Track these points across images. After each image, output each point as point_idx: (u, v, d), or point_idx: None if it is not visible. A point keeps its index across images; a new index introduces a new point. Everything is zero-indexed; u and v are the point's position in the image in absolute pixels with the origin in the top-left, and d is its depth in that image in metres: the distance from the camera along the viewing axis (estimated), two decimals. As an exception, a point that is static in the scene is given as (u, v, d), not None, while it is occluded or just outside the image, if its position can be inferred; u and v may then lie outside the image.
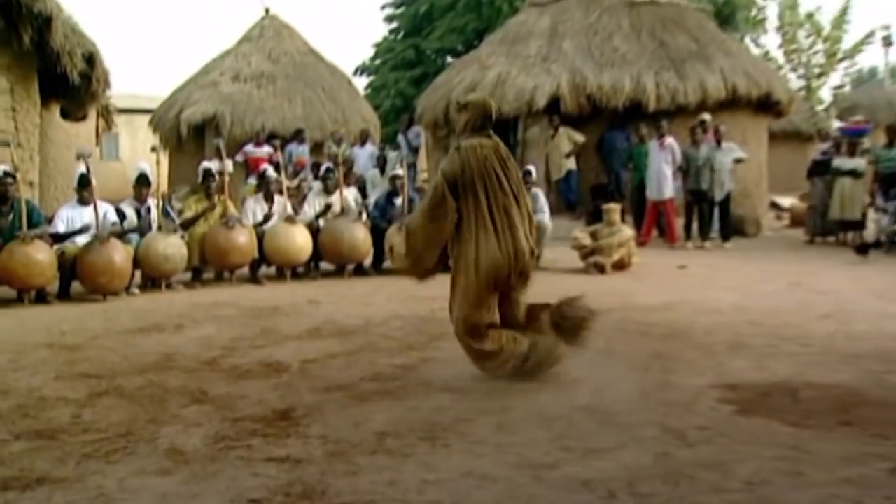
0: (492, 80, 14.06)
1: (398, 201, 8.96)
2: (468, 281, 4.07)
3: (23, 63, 9.18)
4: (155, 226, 7.72)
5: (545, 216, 9.19)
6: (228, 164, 8.88)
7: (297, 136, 13.60)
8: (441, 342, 5.00)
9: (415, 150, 13.77)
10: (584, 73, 13.58)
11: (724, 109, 12.96)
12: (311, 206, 8.84)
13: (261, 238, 8.11)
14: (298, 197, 9.09)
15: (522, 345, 4.02)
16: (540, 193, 9.43)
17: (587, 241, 8.89)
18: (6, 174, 7.09)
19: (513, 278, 4.08)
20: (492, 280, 4.03)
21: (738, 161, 11.30)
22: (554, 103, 13.45)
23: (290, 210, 8.51)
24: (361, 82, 30.86)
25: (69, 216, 7.39)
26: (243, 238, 7.88)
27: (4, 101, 9.06)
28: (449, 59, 25.94)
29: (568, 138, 13.35)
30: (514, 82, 13.86)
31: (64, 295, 7.20)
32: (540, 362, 4.02)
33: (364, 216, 8.86)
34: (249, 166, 12.63)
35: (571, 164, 13.44)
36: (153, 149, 8.02)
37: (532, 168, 9.65)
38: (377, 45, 28.99)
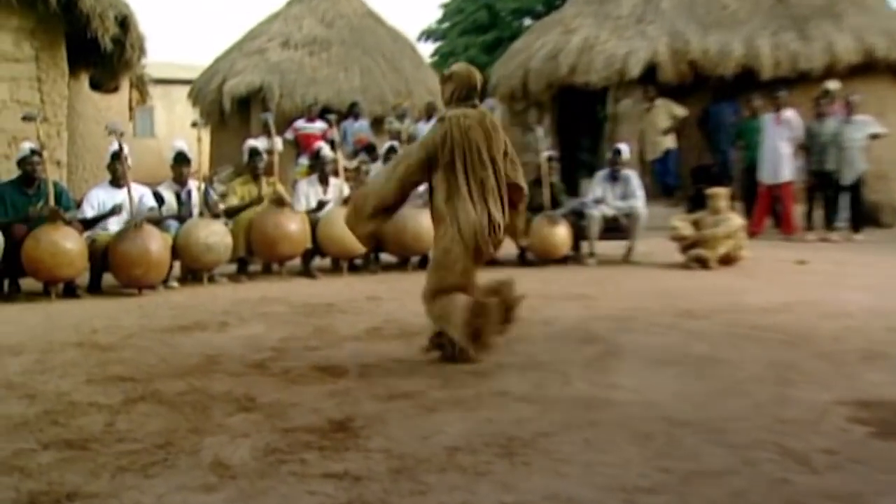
0: (577, 46, 13.96)
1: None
2: (454, 254, 4.61)
3: (49, 27, 9.49)
4: (196, 211, 7.91)
5: (639, 202, 9.11)
6: (277, 143, 9.07)
7: (352, 110, 13.74)
8: (520, 345, 4.99)
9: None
10: (685, 36, 13.36)
11: (857, 76, 12.55)
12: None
13: (314, 226, 8.23)
14: (357, 180, 9.20)
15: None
16: (633, 176, 9.34)
17: (688, 231, 8.75)
18: (32, 152, 7.34)
19: (487, 250, 4.67)
20: (474, 249, 4.63)
21: (873, 137, 10.96)
22: (650, 72, 13.28)
23: (347, 192, 8.61)
24: (427, 49, 31.08)
25: (101, 200, 7.62)
26: (294, 225, 8.00)
27: (29, 69, 9.39)
28: (527, 21, 25.84)
29: (666, 112, 13.15)
30: (604, 48, 13.73)
31: (95, 288, 7.45)
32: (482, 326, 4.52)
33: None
34: (301, 144, 12.80)
35: (670, 142, 13.24)
36: (194, 124, 8.20)
37: (623, 147, 9.58)
38: (445, 7, 29.11)
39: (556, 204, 9.02)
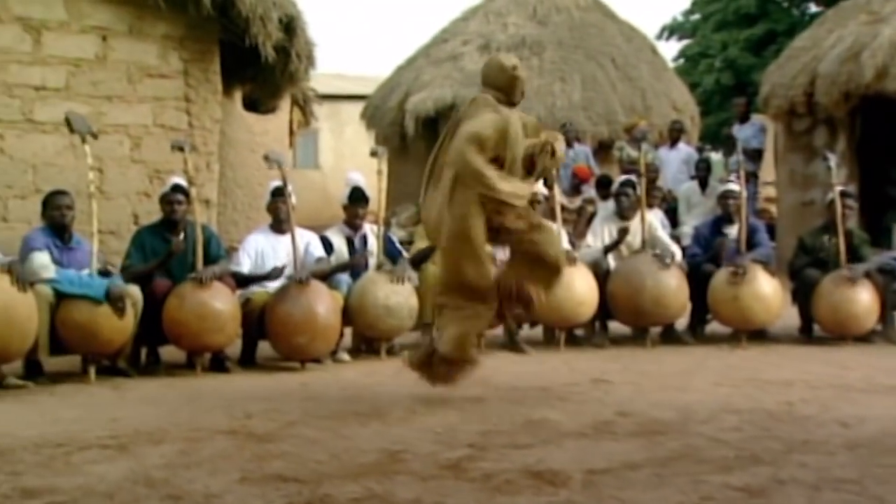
0: (888, 41, 13.43)
1: (731, 231, 8.81)
2: None
3: (201, 35, 10.16)
4: (373, 263, 8.18)
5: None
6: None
7: (564, 133, 13.84)
8: (806, 455, 4.81)
9: (755, 154, 13.48)
10: None
11: None
12: (598, 238, 8.94)
13: (522, 284, 8.31)
14: (579, 223, 9.25)
15: None
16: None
17: None
18: (173, 188, 7.86)
19: None
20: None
21: None
22: None
23: (566, 242, 8.66)
24: (671, 49, 30.96)
25: (260, 248, 8.03)
26: (498, 285, 8.11)
27: (176, 87, 10.07)
28: (812, 7, 25.23)
29: None
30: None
31: (248, 360, 7.84)
32: None
33: (677, 253, 8.81)
34: (503, 177, 12.99)
35: None
36: (373, 153, 8.43)
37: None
38: (695, -7, 28.89)
39: (854, 258, 8.69)
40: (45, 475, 4.57)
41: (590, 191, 11.99)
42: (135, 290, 7.21)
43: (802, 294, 8.83)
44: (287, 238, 7.88)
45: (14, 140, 9.21)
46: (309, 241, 8.10)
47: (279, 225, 8.09)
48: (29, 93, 9.28)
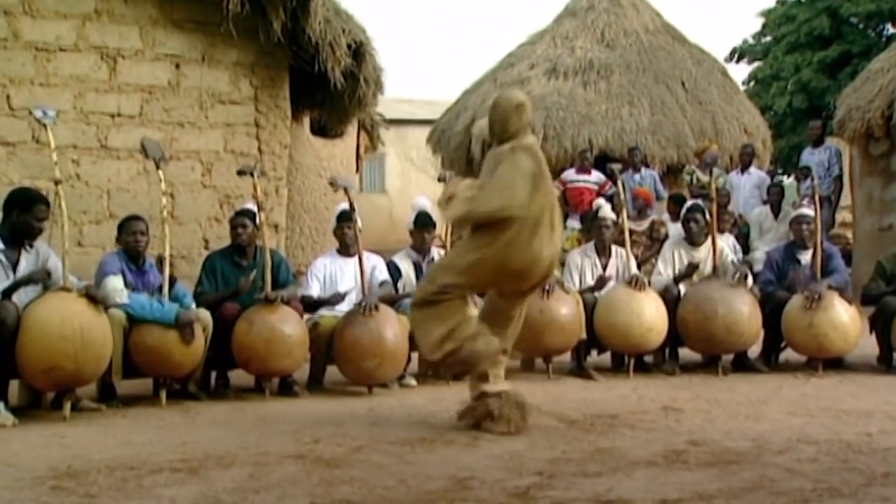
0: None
1: (805, 257, 8.72)
2: None
3: (272, 61, 10.36)
4: (440, 289, 8.21)
5: None
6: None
7: (631, 158, 13.82)
8: (887, 487, 4.72)
9: (834, 179, 13.35)
10: None
11: None
12: (668, 263, 8.89)
13: (590, 309, 8.29)
14: (650, 249, 9.21)
15: None
16: None
17: None
18: (241, 213, 7.97)
19: None
20: None
21: None
22: None
23: (634, 268, 8.63)
24: (741, 72, 30.73)
25: (328, 272, 8.13)
26: (566, 309, 8.11)
27: (246, 112, 10.26)
28: (890, 28, 24.93)
29: None
30: None
31: (316, 384, 7.91)
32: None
33: (749, 279, 8.73)
34: (570, 202, 13.02)
35: None
36: (441, 178, 8.50)
37: None
38: (766, 14, 28.72)
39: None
40: (118, 498, 4.64)
41: (655, 213, 11.92)
42: (205, 315, 7.31)
43: (881, 322, 8.65)
44: (353, 261, 7.97)
45: (89, 166, 9.42)
46: (375, 265, 8.18)
47: (346, 249, 8.19)
48: (104, 120, 9.50)
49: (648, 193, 12.47)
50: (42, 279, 6.75)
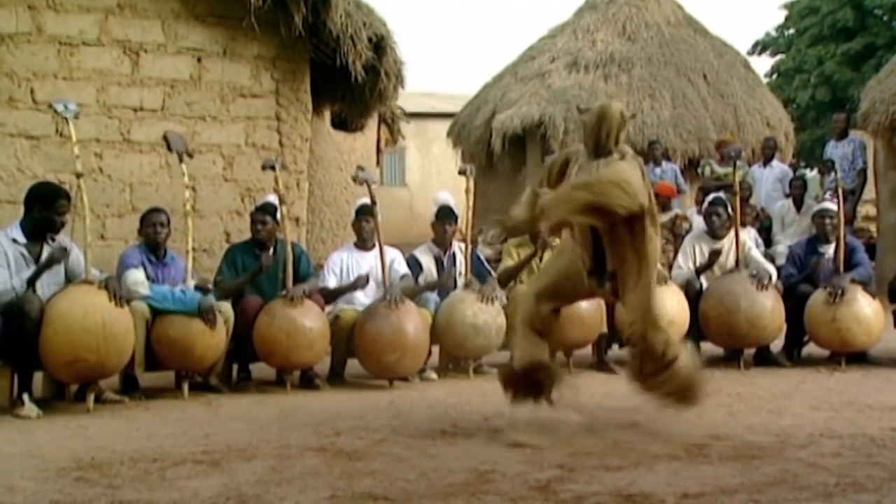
0: None
1: (827, 250, 8.68)
2: None
3: (293, 55, 10.38)
4: (461, 282, 8.23)
5: None
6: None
7: (651, 152, 13.78)
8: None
9: (858, 173, 13.27)
10: None
11: None
12: (688, 257, 8.87)
13: (611, 305, 8.27)
14: (671, 244, 9.19)
15: None
16: None
17: None
18: (261, 209, 7.99)
19: None
20: None
21: None
22: None
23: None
24: (764, 65, 30.58)
25: (345, 265, 8.16)
26: (586, 303, 8.08)
27: (268, 106, 10.29)
28: (917, 20, 24.77)
29: None
30: None
31: (337, 377, 7.95)
32: None
33: (773, 273, 8.70)
34: (591, 195, 12.98)
35: None
36: (462, 172, 8.51)
37: None
38: (789, 6, 28.55)
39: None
40: (142, 489, 4.67)
41: (678, 206, 11.90)
42: (226, 307, 7.34)
43: (906, 315, 8.64)
44: (371, 254, 8.00)
45: (112, 160, 9.46)
46: (394, 259, 8.19)
47: (363, 243, 8.21)
48: (127, 113, 9.55)
49: (671, 188, 12.42)
50: (60, 257, 6.79)
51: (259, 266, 7.70)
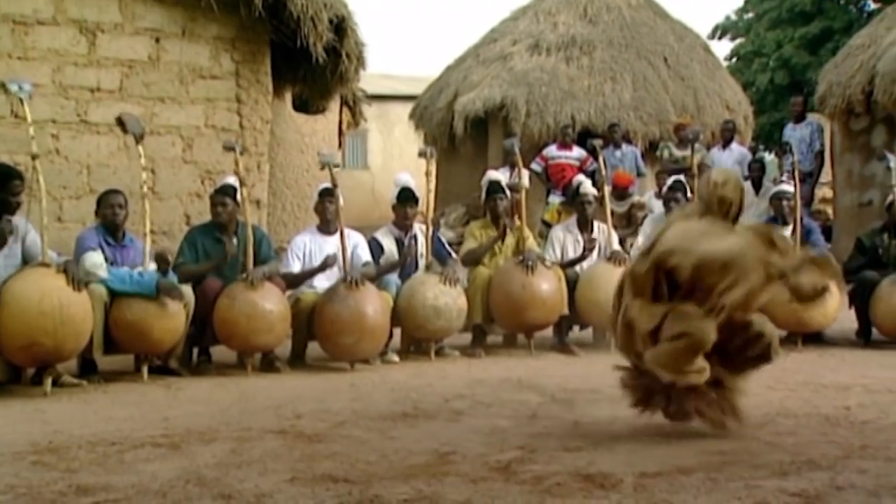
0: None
1: (784, 232, 8.74)
2: None
3: (252, 36, 10.31)
4: (423, 264, 8.23)
5: None
6: (525, 176, 9.26)
7: (611, 135, 13.82)
8: (864, 460, 4.78)
9: (816, 155, 13.36)
10: None
11: None
12: (649, 239, 8.88)
13: (572, 285, 8.30)
14: (631, 226, 9.22)
15: None
16: None
17: None
18: (220, 191, 7.93)
19: None
20: None
21: None
22: None
23: (616, 244, 8.63)
24: (723, 48, 30.74)
25: (308, 249, 8.10)
26: (547, 285, 8.11)
27: (227, 87, 10.23)
28: (871, 4, 24.97)
29: None
30: None
31: (298, 360, 7.92)
32: None
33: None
34: (552, 178, 13.02)
35: None
36: (422, 154, 8.50)
37: None
38: (749, -10, 28.65)
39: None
40: (100, 473, 4.64)
41: (637, 190, 11.95)
42: (187, 291, 7.28)
43: (860, 296, 8.73)
44: (334, 238, 7.95)
45: (69, 141, 9.37)
46: (357, 244, 8.14)
47: (326, 225, 8.15)
48: (84, 94, 9.45)
49: (628, 178, 12.46)
50: (5, 229, 6.72)
51: (224, 254, 7.63)
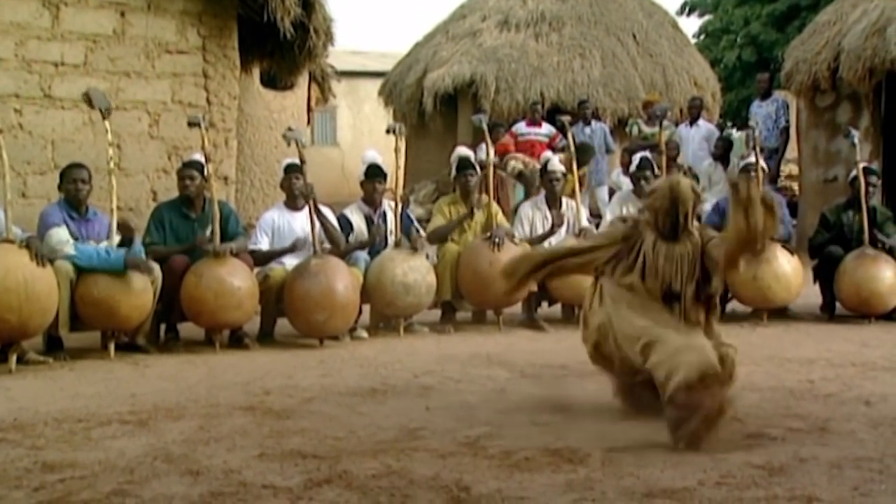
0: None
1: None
2: None
3: (219, 10, 10.22)
4: (392, 240, 8.21)
5: None
6: (492, 152, 9.25)
7: (581, 112, 13.85)
8: (827, 433, 4.86)
9: (782, 131, 13.44)
10: None
11: None
12: (616, 217, 8.92)
13: (540, 261, 8.32)
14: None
15: None
16: None
17: None
18: (188, 164, 7.88)
19: None
20: None
21: None
22: None
23: (585, 221, 8.65)
24: (692, 25, 30.80)
25: (276, 225, 8.07)
26: (516, 261, 8.11)
27: (194, 62, 10.13)
28: (838, -17, 25.04)
29: None
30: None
31: (266, 336, 7.89)
32: None
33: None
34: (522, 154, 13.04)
35: None
36: (390, 130, 8.50)
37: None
38: (717, -33, 28.69)
39: (877, 236, 8.66)
40: (66, 450, 4.63)
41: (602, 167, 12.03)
42: (154, 267, 7.24)
43: (824, 272, 8.83)
44: (302, 214, 7.93)
45: (32, 116, 9.25)
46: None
47: (294, 202, 8.12)
48: (48, 69, 9.32)
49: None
50: None
51: (193, 244, 7.57)
